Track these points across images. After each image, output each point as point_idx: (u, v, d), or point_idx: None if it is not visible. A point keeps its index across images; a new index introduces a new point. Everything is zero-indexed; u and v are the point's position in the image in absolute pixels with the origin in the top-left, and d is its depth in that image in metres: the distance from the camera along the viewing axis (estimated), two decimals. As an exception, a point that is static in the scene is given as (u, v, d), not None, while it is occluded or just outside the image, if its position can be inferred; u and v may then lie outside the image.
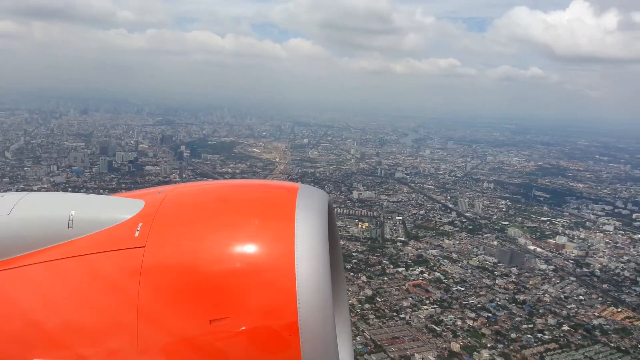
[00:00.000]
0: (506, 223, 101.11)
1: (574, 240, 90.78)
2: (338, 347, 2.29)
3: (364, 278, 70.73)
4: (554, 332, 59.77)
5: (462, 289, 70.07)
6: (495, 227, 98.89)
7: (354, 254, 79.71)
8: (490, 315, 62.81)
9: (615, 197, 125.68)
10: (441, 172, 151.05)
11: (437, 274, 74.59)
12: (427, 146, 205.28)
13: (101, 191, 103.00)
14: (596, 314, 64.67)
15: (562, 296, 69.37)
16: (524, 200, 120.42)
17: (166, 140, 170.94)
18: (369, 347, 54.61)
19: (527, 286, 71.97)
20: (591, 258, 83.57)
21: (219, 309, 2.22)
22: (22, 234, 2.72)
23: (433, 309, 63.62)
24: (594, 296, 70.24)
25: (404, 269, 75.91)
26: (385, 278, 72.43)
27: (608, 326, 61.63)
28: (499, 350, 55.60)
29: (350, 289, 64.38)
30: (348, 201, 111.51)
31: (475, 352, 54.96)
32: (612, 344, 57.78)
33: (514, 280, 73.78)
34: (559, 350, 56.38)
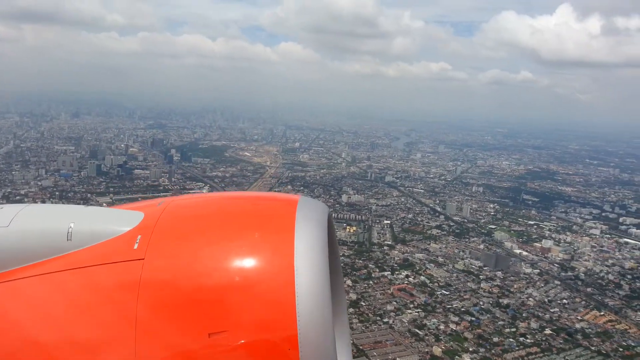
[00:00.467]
0: (493, 227, 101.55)
1: (560, 244, 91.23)
2: None
3: (349, 282, 70.75)
4: (536, 336, 60.05)
5: (447, 292, 70.27)
6: (483, 230, 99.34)
7: (340, 257, 79.61)
8: (473, 319, 63.05)
9: (603, 200, 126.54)
10: (431, 175, 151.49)
11: (422, 277, 74.80)
12: (419, 150, 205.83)
13: (89, 195, 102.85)
14: (579, 317, 65.06)
15: (546, 300, 69.74)
16: (512, 204, 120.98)
17: (157, 143, 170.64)
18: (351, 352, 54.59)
19: (512, 290, 72.32)
20: (576, 262, 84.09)
21: (218, 322, 2.22)
22: (21, 246, 2.73)
23: (417, 313, 63.79)
24: (577, 300, 70.67)
25: (389, 272, 76.07)
26: (371, 282, 72.56)
27: (590, 330, 62.01)
28: (480, 354, 55.80)
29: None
30: (337, 205, 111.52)
31: (456, 356, 55.12)
32: (593, 347, 58.14)
33: (499, 284, 74.09)
34: (540, 354, 56.63)
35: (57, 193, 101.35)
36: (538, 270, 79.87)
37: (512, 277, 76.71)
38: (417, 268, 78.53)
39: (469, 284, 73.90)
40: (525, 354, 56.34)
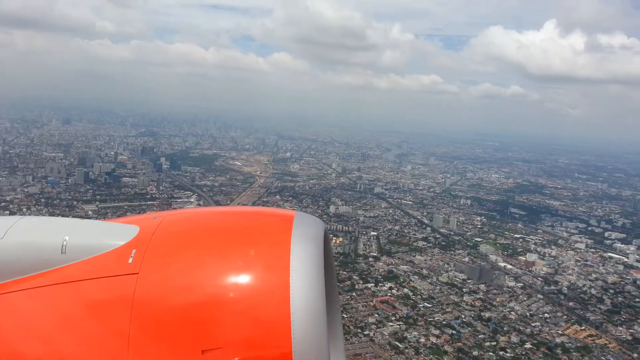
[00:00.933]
0: (479, 239, 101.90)
1: (545, 258, 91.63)
2: None
3: (332, 293, 70.55)
4: (516, 350, 60.06)
5: (429, 305, 70.30)
6: (469, 243, 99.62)
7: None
8: (454, 332, 63.06)
9: (590, 215, 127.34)
10: (420, 187, 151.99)
11: (405, 290, 74.81)
12: (409, 162, 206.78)
13: (74, 202, 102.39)
14: (560, 331, 65.17)
15: (528, 314, 69.87)
16: (499, 217, 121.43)
17: (147, 151, 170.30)
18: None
19: (494, 303, 72.44)
20: (560, 275, 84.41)
21: (211, 339, 2.20)
22: (15, 259, 2.70)
23: (398, 326, 63.72)
24: (559, 314, 70.85)
25: (373, 284, 76.05)
26: (354, 294, 72.48)
27: (570, 344, 62.15)
28: (459, 367, 55.84)
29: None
30: (325, 216, 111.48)
31: (435, 370, 55.13)
32: (572, 362, 58.31)
33: (482, 297, 74.22)
34: (520, 368, 56.77)
35: (42, 200, 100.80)
36: (521, 284, 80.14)
37: (495, 291, 76.88)
38: (401, 280, 78.55)
39: (451, 296, 73.97)
40: (505, 368, 56.40)
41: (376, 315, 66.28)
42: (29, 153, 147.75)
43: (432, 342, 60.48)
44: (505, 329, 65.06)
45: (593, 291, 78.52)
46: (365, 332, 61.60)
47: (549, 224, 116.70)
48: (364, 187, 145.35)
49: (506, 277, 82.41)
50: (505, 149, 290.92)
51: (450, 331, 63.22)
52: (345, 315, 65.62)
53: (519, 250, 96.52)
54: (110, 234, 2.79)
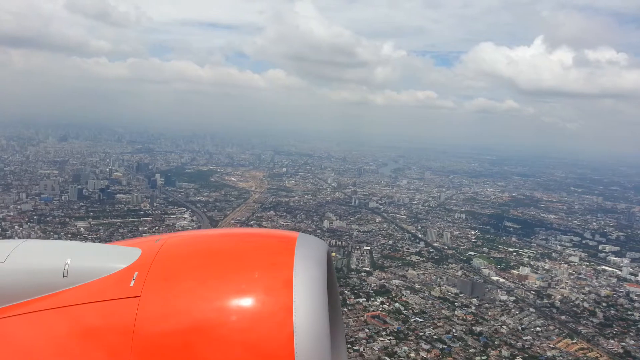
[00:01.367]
0: (473, 253, 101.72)
1: (538, 271, 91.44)
2: None
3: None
4: (507, 364, 59.77)
5: (421, 320, 69.93)
6: (462, 257, 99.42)
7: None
8: (445, 346, 62.66)
9: (584, 228, 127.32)
10: (415, 202, 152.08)
11: (397, 304, 74.48)
12: (405, 176, 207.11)
13: (67, 219, 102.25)
14: (551, 345, 64.84)
15: (520, 327, 69.50)
16: (493, 231, 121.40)
17: (142, 168, 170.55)
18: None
19: (486, 317, 72.09)
20: (553, 289, 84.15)
21: None
22: (17, 282, 2.68)
23: (388, 341, 63.31)
24: (551, 327, 70.49)
25: (365, 299, 75.74)
26: (345, 309, 72.09)
27: (561, 358, 61.76)
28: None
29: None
30: (318, 230, 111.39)
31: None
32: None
33: (474, 311, 73.88)
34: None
35: (35, 217, 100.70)
36: (514, 298, 79.85)
37: (487, 305, 76.57)
38: (393, 295, 78.24)
39: (443, 311, 73.62)
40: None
41: (367, 330, 65.89)
42: (24, 170, 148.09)
43: (422, 356, 60.05)
44: (496, 342, 64.69)
45: (586, 304, 78.26)
46: (355, 348, 61.12)
47: (543, 237, 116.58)
48: (358, 202, 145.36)
49: (499, 291, 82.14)
50: (502, 162, 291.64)
51: (441, 346, 62.80)
52: (335, 331, 65.19)
53: (512, 264, 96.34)
54: (112, 257, 2.80)
